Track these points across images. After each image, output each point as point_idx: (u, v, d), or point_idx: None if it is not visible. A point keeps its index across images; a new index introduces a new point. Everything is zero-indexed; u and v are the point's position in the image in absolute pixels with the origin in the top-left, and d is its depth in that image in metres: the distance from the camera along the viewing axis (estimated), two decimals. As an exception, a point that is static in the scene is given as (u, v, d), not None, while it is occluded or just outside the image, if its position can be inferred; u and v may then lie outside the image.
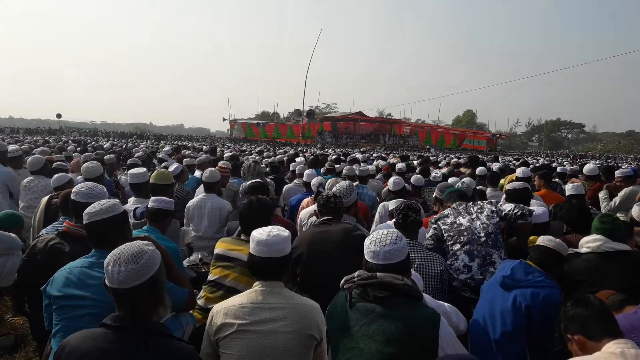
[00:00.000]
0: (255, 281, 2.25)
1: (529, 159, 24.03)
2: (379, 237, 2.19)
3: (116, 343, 1.68)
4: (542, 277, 2.67)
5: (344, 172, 6.56)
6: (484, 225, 3.43)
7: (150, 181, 4.41)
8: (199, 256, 5.13)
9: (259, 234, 2.20)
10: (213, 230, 4.91)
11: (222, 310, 2.19)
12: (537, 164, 12.71)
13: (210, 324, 2.21)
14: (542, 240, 2.90)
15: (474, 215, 3.51)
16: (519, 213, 3.45)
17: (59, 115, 56.64)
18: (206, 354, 2.26)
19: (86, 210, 2.35)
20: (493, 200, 3.72)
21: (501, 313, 2.68)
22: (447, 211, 3.68)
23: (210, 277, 3.04)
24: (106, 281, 1.75)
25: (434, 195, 4.79)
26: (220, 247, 3.09)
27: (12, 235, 3.49)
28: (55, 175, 4.74)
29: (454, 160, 11.68)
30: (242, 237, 3.15)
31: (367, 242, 2.24)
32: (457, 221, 3.53)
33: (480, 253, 3.34)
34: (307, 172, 6.13)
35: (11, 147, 6.67)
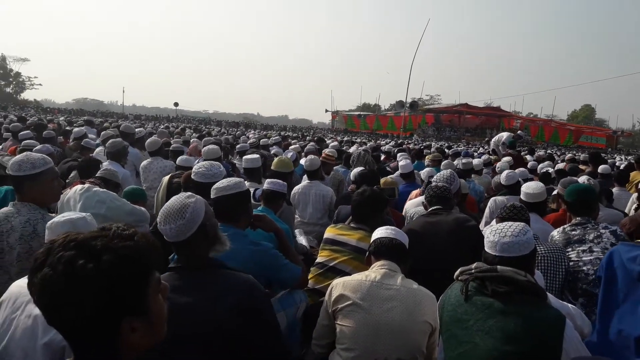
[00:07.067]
0: (363, 265, 2.35)
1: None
2: (502, 227, 2.07)
3: (182, 279, 1.87)
4: None
5: (441, 166, 6.38)
6: (595, 261, 3.03)
7: (272, 168, 4.67)
8: (305, 240, 5.28)
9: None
10: (317, 216, 5.00)
11: (341, 283, 2.33)
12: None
13: (329, 295, 2.34)
14: None
15: (586, 247, 3.12)
16: None
17: (176, 104, 61.65)
18: (323, 325, 2.39)
19: (215, 186, 2.53)
20: (618, 229, 3.16)
21: None
22: (556, 234, 3.31)
23: (319, 260, 3.11)
24: (165, 237, 1.90)
25: (554, 192, 4.46)
26: (330, 232, 3.17)
27: (142, 209, 3.79)
28: (181, 157, 5.32)
29: (569, 156, 10.84)
30: (352, 224, 3.19)
31: (487, 231, 2.13)
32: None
33: (585, 292, 3.02)
34: (401, 163, 6.06)
35: (137, 130, 7.36)
